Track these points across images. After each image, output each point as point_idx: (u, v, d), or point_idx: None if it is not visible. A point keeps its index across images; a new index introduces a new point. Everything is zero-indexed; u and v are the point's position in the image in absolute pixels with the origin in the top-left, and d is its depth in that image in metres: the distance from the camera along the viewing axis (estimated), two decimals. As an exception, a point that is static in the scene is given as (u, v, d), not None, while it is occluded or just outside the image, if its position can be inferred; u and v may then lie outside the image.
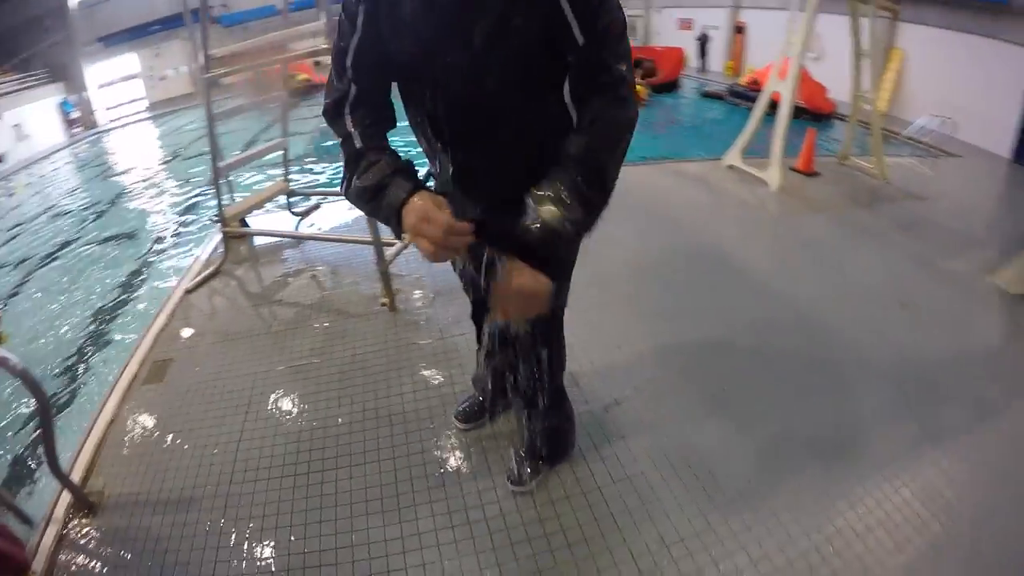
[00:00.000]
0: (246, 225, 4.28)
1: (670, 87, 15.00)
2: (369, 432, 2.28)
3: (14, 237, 8.64)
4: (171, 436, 2.39)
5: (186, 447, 2.32)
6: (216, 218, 4.04)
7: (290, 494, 2.06)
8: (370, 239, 3.03)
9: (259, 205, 4.35)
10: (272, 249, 4.09)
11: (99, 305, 5.79)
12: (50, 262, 7.35)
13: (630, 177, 5.53)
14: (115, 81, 18.47)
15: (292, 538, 1.91)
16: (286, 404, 2.50)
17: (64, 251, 7.70)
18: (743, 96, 12.19)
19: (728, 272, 3.53)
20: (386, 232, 3.37)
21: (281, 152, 4.44)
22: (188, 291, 3.51)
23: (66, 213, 9.61)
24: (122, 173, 11.93)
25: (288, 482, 2.10)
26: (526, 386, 1.83)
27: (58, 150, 15.10)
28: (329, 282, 3.54)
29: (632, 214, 4.44)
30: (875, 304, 3.21)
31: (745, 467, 2.08)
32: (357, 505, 1.99)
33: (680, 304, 3.14)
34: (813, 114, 11.01)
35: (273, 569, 1.82)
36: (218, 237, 4.07)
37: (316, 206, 4.81)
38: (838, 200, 5.13)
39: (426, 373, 2.60)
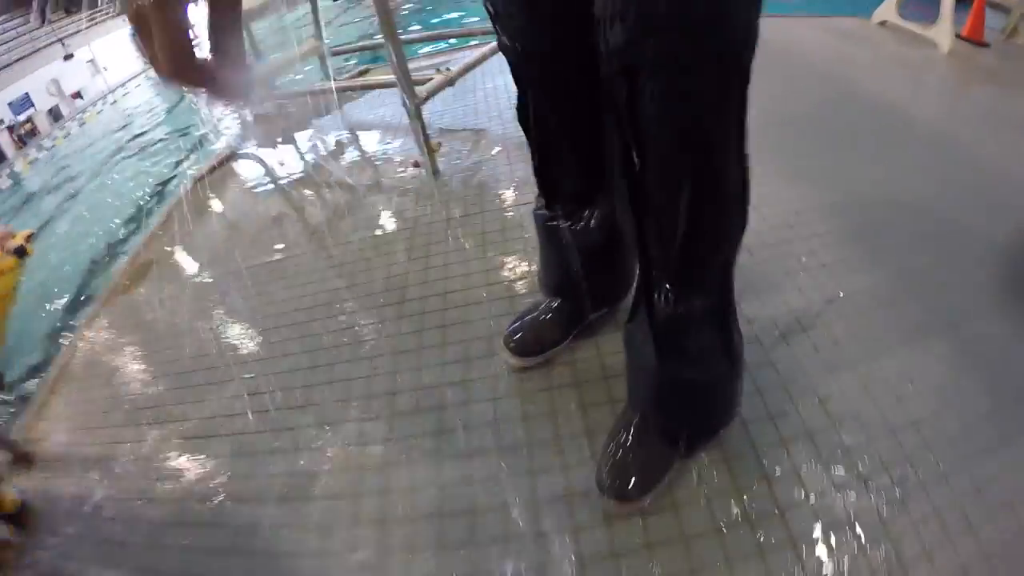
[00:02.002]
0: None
1: None
2: (366, 356, 1.36)
3: (73, 154, 8.73)
4: (125, 354, 1.71)
5: (141, 364, 1.65)
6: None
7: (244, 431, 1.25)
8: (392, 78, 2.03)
9: (286, 69, 3.41)
10: (304, 117, 3.17)
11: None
12: (100, 177, 7.26)
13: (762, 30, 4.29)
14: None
15: (248, 483, 1.18)
16: (266, 304, 1.66)
17: (122, 161, 7.59)
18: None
19: (906, 134, 2.24)
20: (415, 69, 2.35)
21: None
22: (198, 179, 2.84)
23: (126, 127, 9.56)
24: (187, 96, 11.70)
25: (241, 420, 1.29)
26: (657, 276, 0.84)
27: (131, 79, 15.12)
28: (360, 149, 2.61)
29: (768, 67, 3.17)
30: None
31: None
32: (337, 475, 1.12)
33: (849, 165, 1.92)
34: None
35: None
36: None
37: (363, 71, 3.81)
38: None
39: (469, 263, 1.60)
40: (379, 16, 1.89)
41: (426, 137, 2.04)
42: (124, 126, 9.82)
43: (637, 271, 0.88)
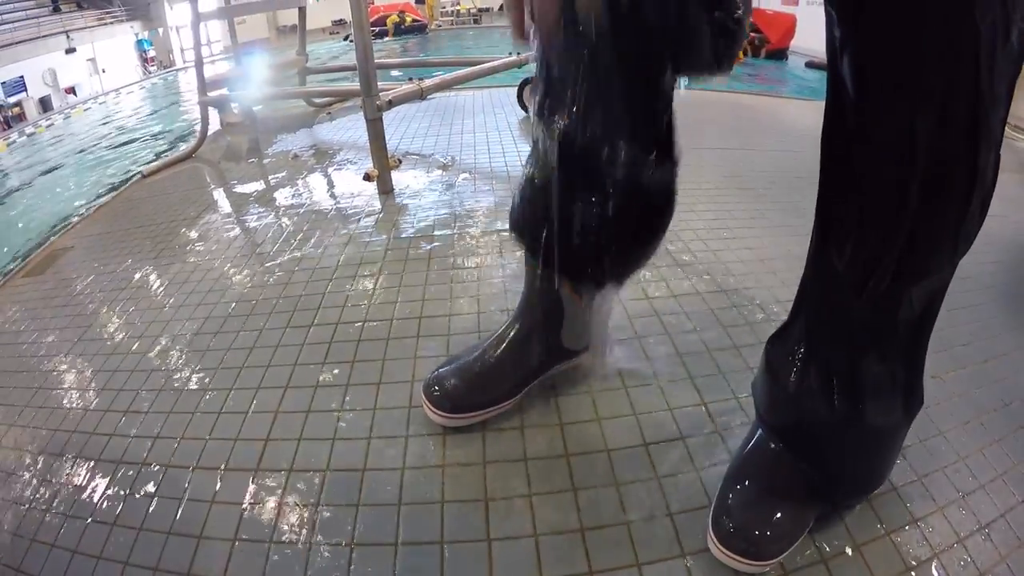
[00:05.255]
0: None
1: (777, 56, 13.51)
2: (244, 387, 1.02)
3: (50, 144, 8.66)
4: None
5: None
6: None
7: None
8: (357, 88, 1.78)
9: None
10: (271, 130, 2.99)
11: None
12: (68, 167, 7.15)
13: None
14: (196, 22, 18.19)
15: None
16: (157, 310, 1.32)
17: (96, 155, 7.47)
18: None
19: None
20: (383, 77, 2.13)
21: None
22: (145, 175, 2.68)
23: (109, 125, 9.48)
24: (181, 104, 11.53)
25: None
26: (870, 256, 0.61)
27: (128, 85, 14.95)
28: (318, 163, 2.35)
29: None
30: None
31: None
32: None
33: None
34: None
35: None
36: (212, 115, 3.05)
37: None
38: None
39: (402, 290, 1.28)
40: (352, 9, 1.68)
41: (383, 149, 1.77)
42: (107, 124, 9.73)
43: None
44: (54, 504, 0.89)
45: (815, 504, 0.72)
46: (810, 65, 12.84)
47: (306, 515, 0.79)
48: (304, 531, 0.77)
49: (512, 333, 0.90)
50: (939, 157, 0.52)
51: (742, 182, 1.90)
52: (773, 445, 0.76)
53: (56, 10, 15.95)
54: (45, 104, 14.30)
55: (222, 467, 0.88)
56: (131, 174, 5.42)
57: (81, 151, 7.74)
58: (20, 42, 14.03)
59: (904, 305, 0.62)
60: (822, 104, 0.61)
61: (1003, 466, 0.84)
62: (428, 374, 0.91)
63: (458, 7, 24.13)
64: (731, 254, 1.39)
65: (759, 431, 0.79)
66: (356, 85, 1.77)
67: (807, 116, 3.47)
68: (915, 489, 0.80)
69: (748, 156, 2.26)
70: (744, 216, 1.61)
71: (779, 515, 0.70)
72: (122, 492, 0.88)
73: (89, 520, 0.85)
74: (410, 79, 1.92)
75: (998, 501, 0.79)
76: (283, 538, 0.77)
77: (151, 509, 0.84)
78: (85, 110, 11.55)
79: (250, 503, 0.82)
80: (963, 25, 0.47)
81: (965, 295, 1.25)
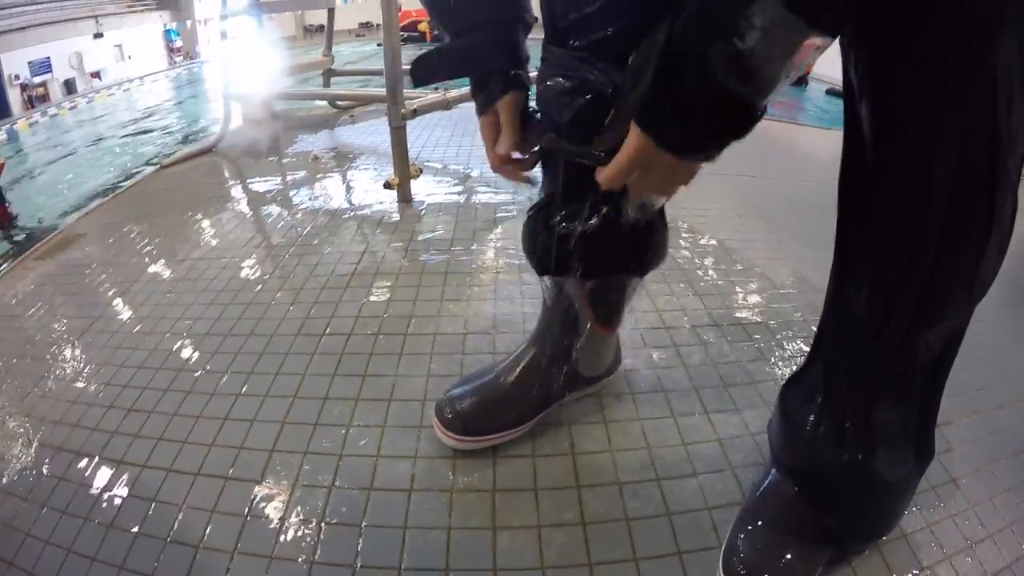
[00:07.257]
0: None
1: (797, 82, 13.52)
2: (249, 394, 1.00)
3: (72, 127, 8.72)
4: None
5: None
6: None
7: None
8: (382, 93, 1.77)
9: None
10: (292, 129, 2.98)
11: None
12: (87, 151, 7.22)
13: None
14: (223, 16, 18.40)
15: None
16: (155, 308, 1.32)
17: (117, 142, 7.52)
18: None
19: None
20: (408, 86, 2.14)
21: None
22: (165, 166, 2.66)
23: (131, 112, 9.56)
24: (204, 96, 11.60)
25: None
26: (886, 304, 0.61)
27: (153, 73, 15.08)
28: (337, 166, 2.35)
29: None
30: None
31: None
32: None
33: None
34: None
35: None
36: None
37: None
38: None
39: (417, 304, 1.26)
40: (383, 12, 1.69)
41: (405, 158, 1.77)
42: (130, 111, 9.85)
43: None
44: (51, 499, 0.88)
45: (826, 548, 0.71)
46: (831, 92, 12.83)
47: (309, 532, 0.77)
48: (306, 549, 0.75)
49: (528, 358, 0.88)
50: (956, 201, 0.52)
51: (761, 211, 1.88)
52: (787, 487, 0.75)
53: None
54: (69, 86, 14.44)
55: (225, 476, 0.86)
56: (149, 163, 5.49)
57: (102, 138, 7.81)
58: (49, 23, 14.19)
59: (921, 350, 0.62)
60: (840, 133, 0.61)
61: (1012, 516, 0.82)
62: (441, 394, 0.89)
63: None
64: (750, 284, 1.37)
65: (773, 471, 0.77)
66: (382, 90, 1.77)
67: (826, 145, 3.44)
68: (924, 536, 0.78)
69: (767, 184, 2.24)
70: (763, 246, 1.59)
71: (789, 557, 0.69)
72: (121, 493, 0.86)
73: (85, 520, 0.83)
74: (436, 88, 1.92)
75: (1006, 551, 0.77)
76: (284, 554, 0.75)
77: (150, 513, 0.82)
78: (109, 95, 11.65)
79: (252, 515, 0.80)
80: (981, 70, 0.46)
81: (981, 337, 1.22)
